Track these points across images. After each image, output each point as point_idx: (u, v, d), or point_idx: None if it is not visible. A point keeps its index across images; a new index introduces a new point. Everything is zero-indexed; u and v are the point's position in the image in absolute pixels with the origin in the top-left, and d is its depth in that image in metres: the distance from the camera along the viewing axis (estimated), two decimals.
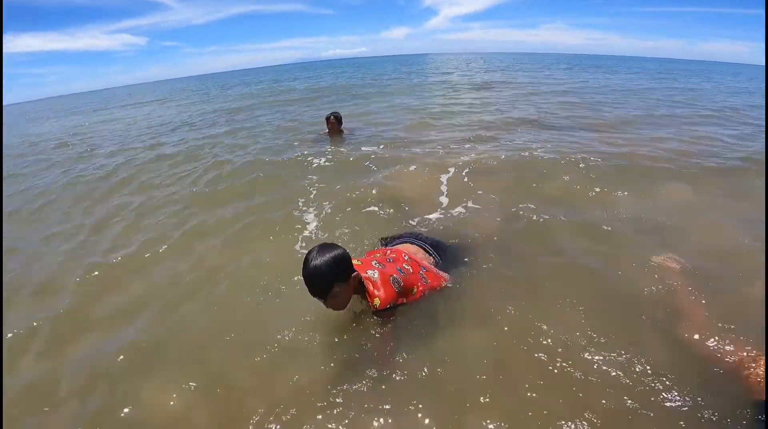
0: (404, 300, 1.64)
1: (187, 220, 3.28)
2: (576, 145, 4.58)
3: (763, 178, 3.42)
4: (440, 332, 1.76)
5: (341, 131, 5.53)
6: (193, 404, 1.57)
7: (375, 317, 1.66)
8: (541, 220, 2.78)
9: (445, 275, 1.93)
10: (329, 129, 5.47)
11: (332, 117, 5.39)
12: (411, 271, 1.74)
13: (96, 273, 2.57)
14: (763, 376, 1.35)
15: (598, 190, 3.27)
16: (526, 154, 4.29)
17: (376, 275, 1.61)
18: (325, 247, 1.47)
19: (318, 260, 1.42)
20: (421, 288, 1.72)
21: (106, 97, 33.55)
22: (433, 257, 1.98)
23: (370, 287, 1.58)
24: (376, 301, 1.55)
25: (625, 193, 3.22)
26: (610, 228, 2.65)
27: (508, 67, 20.73)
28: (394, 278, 1.62)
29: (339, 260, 1.45)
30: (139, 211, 3.59)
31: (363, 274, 1.60)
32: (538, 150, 4.40)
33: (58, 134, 9.95)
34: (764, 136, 4.82)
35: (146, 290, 2.36)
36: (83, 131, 9.82)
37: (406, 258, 1.81)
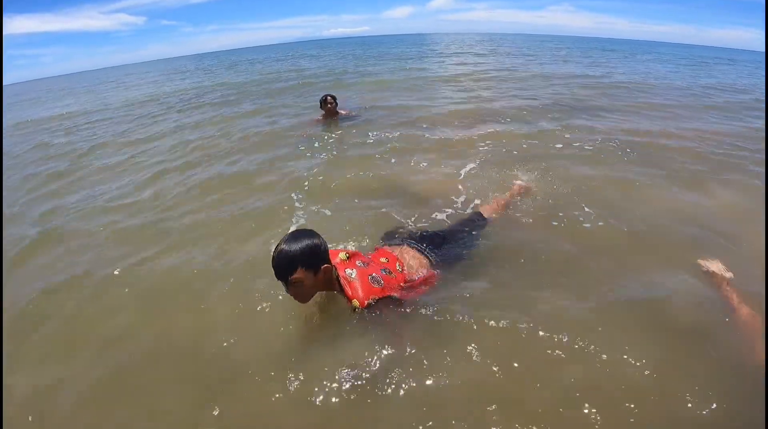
0: (393, 294, 1.56)
1: (172, 214, 3.03)
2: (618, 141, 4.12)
3: None
4: (446, 329, 1.61)
5: (337, 113, 5.26)
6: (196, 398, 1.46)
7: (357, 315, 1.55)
8: (573, 215, 2.54)
9: (433, 275, 1.80)
10: (326, 112, 5.16)
11: (329, 97, 5.09)
12: (395, 277, 1.64)
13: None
14: None
15: (639, 183, 3.05)
16: (560, 145, 3.92)
17: (354, 274, 1.53)
18: (299, 232, 1.46)
19: (287, 244, 1.39)
20: (402, 294, 1.62)
21: (100, 77, 32.58)
22: (428, 258, 1.86)
23: (347, 288, 1.51)
24: (354, 303, 1.48)
25: (672, 189, 2.97)
26: (649, 226, 2.43)
27: (526, 52, 19.57)
28: (373, 277, 1.54)
29: (311, 248, 1.41)
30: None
31: (341, 273, 1.53)
32: (574, 143, 4.01)
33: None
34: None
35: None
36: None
37: (398, 267, 1.70)
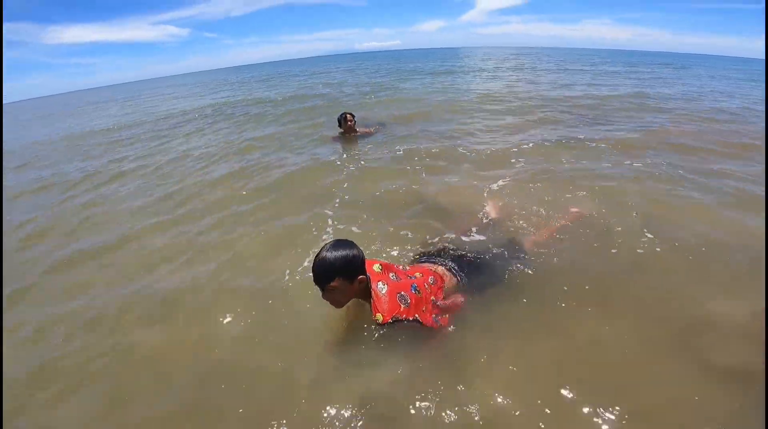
0: (416, 315, 1.55)
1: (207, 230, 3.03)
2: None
3: None
4: (469, 354, 1.61)
5: (356, 131, 5.20)
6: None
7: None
8: (626, 240, 2.34)
9: (461, 301, 1.80)
10: (345, 130, 5.12)
11: (348, 115, 5.13)
12: (423, 296, 1.63)
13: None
14: None
15: (699, 206, 2.79)
16: (608, 164, 3.64)
17: (385, 289, 1.57)
18: (340, 243, 1.53)
19: (329, 252, 1.48)
20: (428, 312, 1.61)
21: (147, 86, 34.28)
22: (458, 278, 1.88)
23: (375, 301, 1.54)
24: (378, 317, 1.51)
25: (740, 212, 2.66)
26: (712, 253, 2.18)
27: (566, 67, 18.70)
28: (401, 295, 1.57)
29: (349, 259, 1.49)
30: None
31: (373, 285, 1.58)
32: (626, 163, 3.71)
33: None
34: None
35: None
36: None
37: (430, 280, 1.73)
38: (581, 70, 16.03)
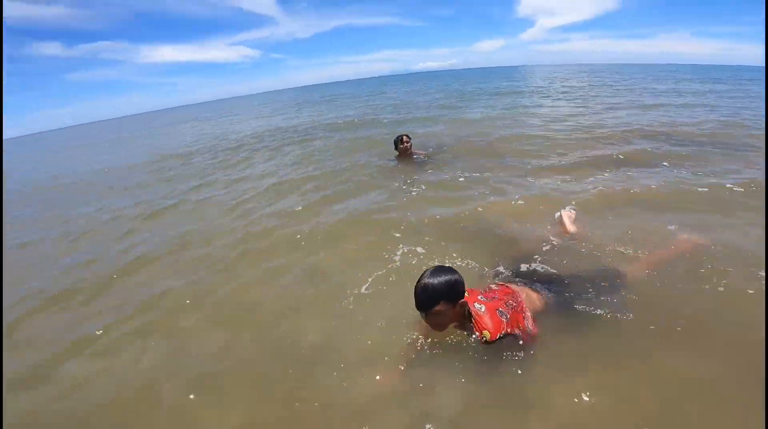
0: (516, 330, 1.63)
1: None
2: None
3: None
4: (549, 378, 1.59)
5: (413, 154, 5.05)
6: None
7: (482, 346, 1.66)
8: (734, 278, 2.09)
9: (535, 332, 1.76)
10: (401, 152, 4.98)
11: (405, 137, 4.99)
12: (513, 311, 1.70)
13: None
14: None
15: None
16: (684, 186, 3.51)
17: (483, 309, 1.65)
18: (441, 268, 1.61)
19: (432, 278, 1.56)
20: (523, 326, 1.68)
21: (222, 107, 37.55)
22: (543, 296, 1.91)
23: (479, 321, 1.61)
24: (486, 334, 1.58)
25: None
26: None
27: (647, 86, 17.27)
28: (500, 311, 1.65)
29: (452, 284, 1.56)
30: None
31: (470, 307, 1.64)
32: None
33: None
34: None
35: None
36: None
37: (513, 297, 1.78)
38: (668, 89, 14.34)
